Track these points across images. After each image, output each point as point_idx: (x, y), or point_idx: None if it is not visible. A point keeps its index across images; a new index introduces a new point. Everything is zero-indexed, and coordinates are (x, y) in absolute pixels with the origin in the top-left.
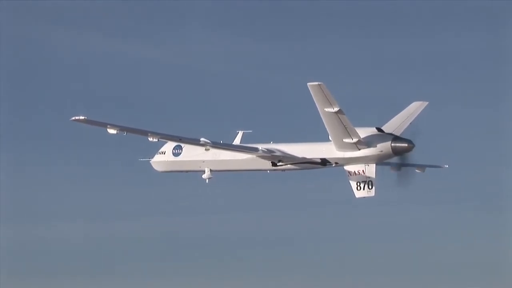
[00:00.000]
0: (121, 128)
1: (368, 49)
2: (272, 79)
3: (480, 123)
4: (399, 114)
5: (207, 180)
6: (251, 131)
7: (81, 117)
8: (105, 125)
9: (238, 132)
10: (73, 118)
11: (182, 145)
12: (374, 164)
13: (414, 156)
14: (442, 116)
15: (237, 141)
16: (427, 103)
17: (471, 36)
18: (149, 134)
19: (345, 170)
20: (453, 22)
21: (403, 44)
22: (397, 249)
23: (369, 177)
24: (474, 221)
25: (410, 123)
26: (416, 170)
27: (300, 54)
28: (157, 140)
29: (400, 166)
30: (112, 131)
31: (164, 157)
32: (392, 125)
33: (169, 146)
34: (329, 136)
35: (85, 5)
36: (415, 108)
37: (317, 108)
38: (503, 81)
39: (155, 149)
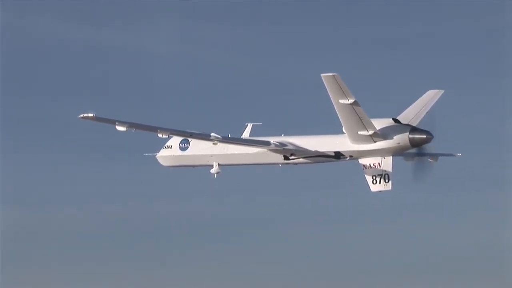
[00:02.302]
0: (130, 125)
1: (380, 37)
2: (283, 70)
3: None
4: (414, 104)
5: (215, 175)
6: (260, 123)
7: (90, 115)
8: (113, 122)
9: (247, 125)
10: (82, 115)
11: (189, 138)
12: (391, 157)
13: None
14: (458, 104)
15: (246, 134)
16: (442, 91)
17: (479, 20)
18: (158, 130)
19: (360, 164)
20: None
21: (414, 31)
22: (414, 243)
23: (385, 171)
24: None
25: (427, 113)
26: (429, 160)
27: (311, 43)
28: (167, 136)
29: (414, 156)
30: (120, 128)
31: (171, 152)
32: (408, 115)
33: (176, 140)
34: (343, 128)
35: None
36: (430, 96)
37: (330, 100)
38: None
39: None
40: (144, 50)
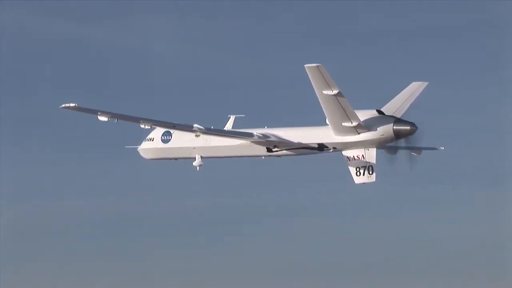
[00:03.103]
0: (112, 115)
1: (363, 27)
2: (266, 61)
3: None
4: (398, 95)
5: (198, 167)
6: (243, 115)
7: (72, 105)
8: (95, 112)
9: (230, 117)
10: (63, 105)
11: (171, 131)
12: (375, 149)
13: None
14: (443, 97)
15: (229, 126)
16: (427, 83)
17: (469, 12)
18: (141, 121)
19: (343, 156)
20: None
21: (400, 22)
22: (398, 237)
23: (369, 162)
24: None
25: (411, 105)
26: (412, 153)
27: (295, 35)
28: (149, 127)
29: (397, 149)
30: (103, 118)
31: (153, 144)
32: (392, 107)
33: (158, 132)
34: (327, 120)
35: None
36: (414, 88)
37: (314, 91)
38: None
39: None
40: (143, 49)
